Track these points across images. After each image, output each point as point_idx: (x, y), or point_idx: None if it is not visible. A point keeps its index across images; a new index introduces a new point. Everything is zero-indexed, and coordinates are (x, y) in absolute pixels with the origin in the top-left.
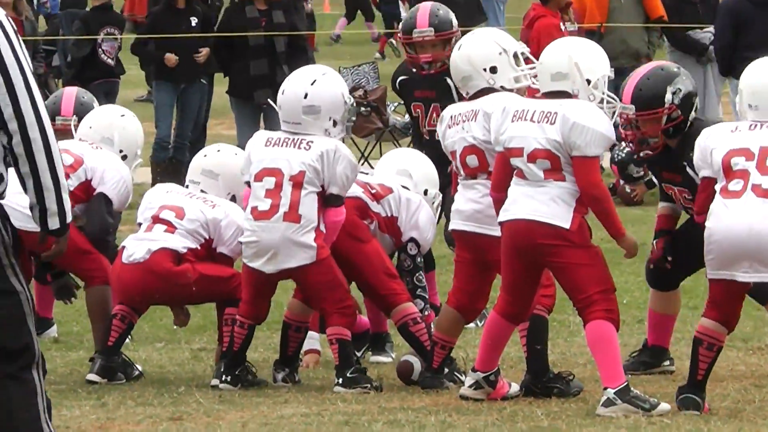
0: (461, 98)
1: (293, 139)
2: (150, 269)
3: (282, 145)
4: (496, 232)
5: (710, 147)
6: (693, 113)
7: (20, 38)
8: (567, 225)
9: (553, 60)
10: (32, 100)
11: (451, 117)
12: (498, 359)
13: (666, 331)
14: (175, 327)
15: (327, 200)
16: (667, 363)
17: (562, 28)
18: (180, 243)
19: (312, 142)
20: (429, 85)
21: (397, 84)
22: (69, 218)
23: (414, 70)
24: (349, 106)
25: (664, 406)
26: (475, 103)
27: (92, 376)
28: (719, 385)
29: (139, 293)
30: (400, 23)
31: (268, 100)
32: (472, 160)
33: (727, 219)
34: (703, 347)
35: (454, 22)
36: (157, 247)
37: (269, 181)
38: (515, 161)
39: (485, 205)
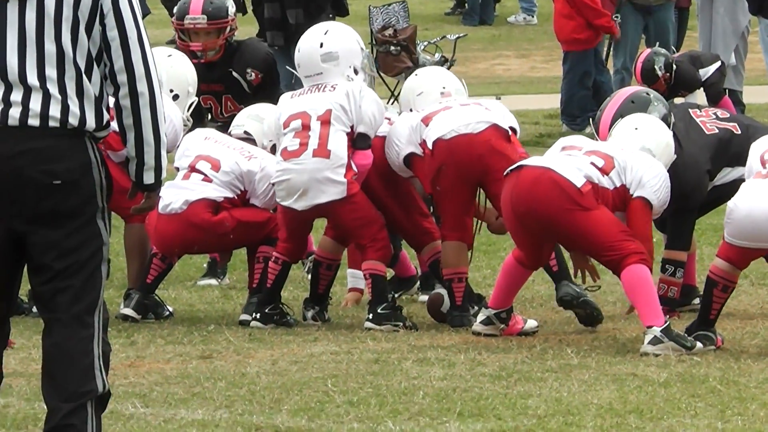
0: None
1: (318, 86)
2: (188, 220)
3: (307, 94)
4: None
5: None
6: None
7: None
8: (579, 184)
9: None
10: (143, 54)
11: None
12: (512, 299)
13: (689, 270)
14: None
15: (355, 141)
16: (696, 301)
17: None
18: (217, 193)
19: (336, 85)
20: (215, 79)
21: None
22: (164, 174)
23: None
24: (367, 53)
25: (700, 345)
26: None
27: (128, 311)
28: (749, 323)
29: (178, 244)
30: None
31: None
32: None
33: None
34: (717, 289)
35: (230, 10)
36: (195, 197)
37: (296, 124)
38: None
39: None
